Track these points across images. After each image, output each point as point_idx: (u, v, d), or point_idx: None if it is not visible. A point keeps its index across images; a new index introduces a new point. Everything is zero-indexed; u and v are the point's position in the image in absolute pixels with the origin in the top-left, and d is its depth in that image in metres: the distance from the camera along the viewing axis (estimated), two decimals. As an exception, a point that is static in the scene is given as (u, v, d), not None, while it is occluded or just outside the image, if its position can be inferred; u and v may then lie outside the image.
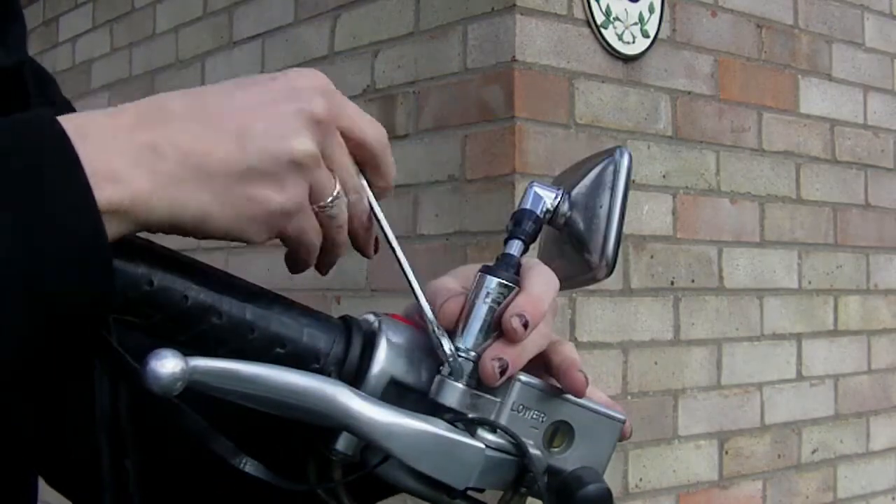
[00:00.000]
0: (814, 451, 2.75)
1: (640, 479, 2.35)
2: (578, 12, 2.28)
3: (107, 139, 0.47)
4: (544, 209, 0.62)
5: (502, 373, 0.55)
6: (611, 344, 2.28)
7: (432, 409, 0.55)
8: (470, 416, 0.55)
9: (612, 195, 0.61)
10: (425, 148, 2.33)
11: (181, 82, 3.21)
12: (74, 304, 0.45)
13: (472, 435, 0.55)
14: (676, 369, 2.43)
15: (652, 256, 2.39)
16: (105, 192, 0.46)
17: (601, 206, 0.61)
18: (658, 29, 2.42)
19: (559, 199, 0.62)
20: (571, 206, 0.62)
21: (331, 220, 0.53)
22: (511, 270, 0.58)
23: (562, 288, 0.60)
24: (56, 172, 0.45)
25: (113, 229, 0.46)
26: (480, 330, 0.56)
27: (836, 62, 2.87)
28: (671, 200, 2.44)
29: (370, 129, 0.55)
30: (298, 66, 2.74)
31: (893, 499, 2.96)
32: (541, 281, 0.58)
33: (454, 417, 0.54)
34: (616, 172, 0.61)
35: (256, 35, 2.92)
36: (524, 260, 0.60)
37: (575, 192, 0.62)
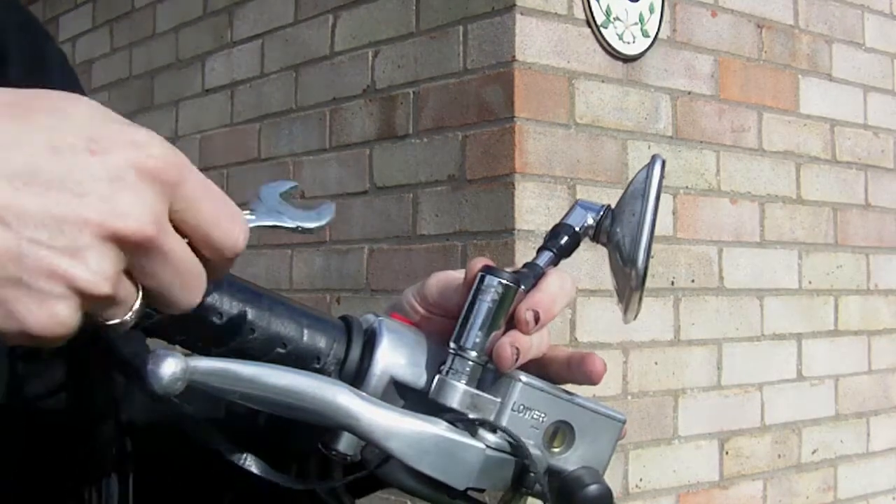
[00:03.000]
0: (814, 451, 2.75)
1: (641, 480, 2.35)
2: (578, 12, 2.28)
3: None
4: (584, 225, 0.62)
5: (516, 358, 0.55)
6: (611, 344, 2.28)
7: (433, 409, 0.55)
8: (470, 416, 0.55)
9: (642, 203, 0.61)
10: (425, 148, 2.33)
11: (181, 82, 3.22)
12: None
13: (473, 435, 0.55)
14: (676, 369, 2.43)
15: (652, 256, 2.39)
16: None
17: (634, 215, 0.61)
18: (658, 29, 2.42)
19: (601, 214, 0.62)
20: (613, 221, 0.62)
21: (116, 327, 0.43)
22: (531, 277, 0.58)
23: (620, 304, 0.61)
24: None
25: None
26: (480, 329, 0.56)
27: (837, 62, 2.87)
28: (671, 200, 2.44)
29: (225, 232, 0.44)
30: (298, 65, 2.75)
31: (894, 499, 2.96)
32: (557, 283, 0.58)
33: (454, 417, 0.54)
34: (648, 179, 0.61)
35: (256, 35, 2.92)
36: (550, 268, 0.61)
37: (616, 205, 0.63)
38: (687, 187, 2.48)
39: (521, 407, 0.56)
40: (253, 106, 2.93)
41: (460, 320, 0.56)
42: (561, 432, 0.58)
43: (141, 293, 0.42)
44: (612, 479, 0.53)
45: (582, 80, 2.28)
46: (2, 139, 0.39)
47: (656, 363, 2.39)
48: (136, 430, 0.66)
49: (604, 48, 2.32)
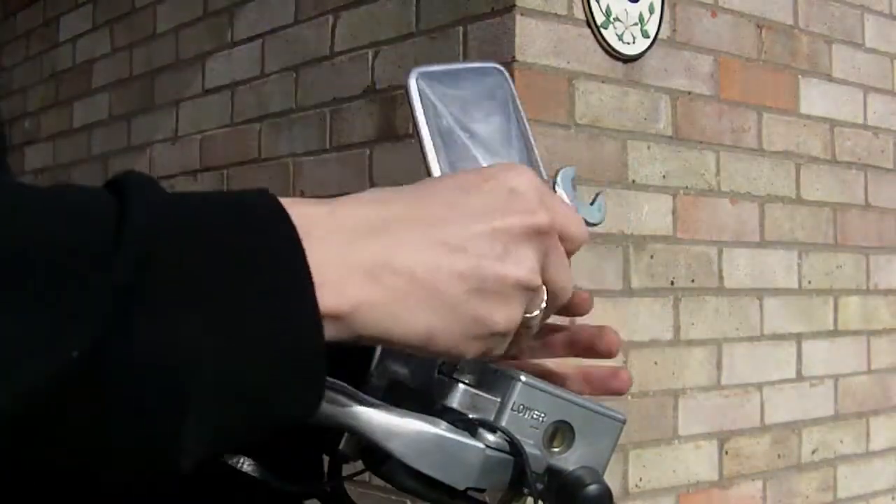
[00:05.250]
0: (814, 451, 2.75)
1: (640, 480, 2.35)
2: (578, 12, 2.28)
3: (331, 243, 0.45)
4: None
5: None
6: (611, 344, 2.28)
7: (432, 409, 0.55)
8: (470, 416, 0.55)
9: (519, 120, 0.63)
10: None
11: (181, 82, 3.22)
12: (275, 416, 0.43)
13: (473, 435, 0.55)
14: (676, 369, 2.43)
15: (652, 256, 2.39)
16: (328, 301, 0.43)
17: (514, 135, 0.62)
18: (658, 29, 2.42)
19: None
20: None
21: (527, 330, 0.52)
22: None
23: None
24: (281, 273, 0.43)
25: (327, 335, 0.44)
26: None
27: (836, 62, 2.87)
28: (671, 200, 2.44)
29: (578, 230, 0.54)
30: (298, 66, 2.75)
31: (893, 499, 2.96)
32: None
33: (454, 417, 0.55)
34: (513, 95, 0.64)
35: (256, 35, 2.92)
36: None
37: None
38: (687, 187, 2.48)
39: (521, 407, 0.56)
40: (253, 106, 2.93)
41: None
42: (561, 432, 0.58)
43: (545, 290, 0.52)
44: (611, 479, 0.53)
45: (582, 80, 2.29)
46: (427, 194, 0.50)
47: (656, 363, 2.39)
48: None
49: (604, 48, 2.32)
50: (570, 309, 0.62)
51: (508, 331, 0.50)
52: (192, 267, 0.40)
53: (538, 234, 0.50)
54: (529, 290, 0.50)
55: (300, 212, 0.44)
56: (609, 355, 0.65)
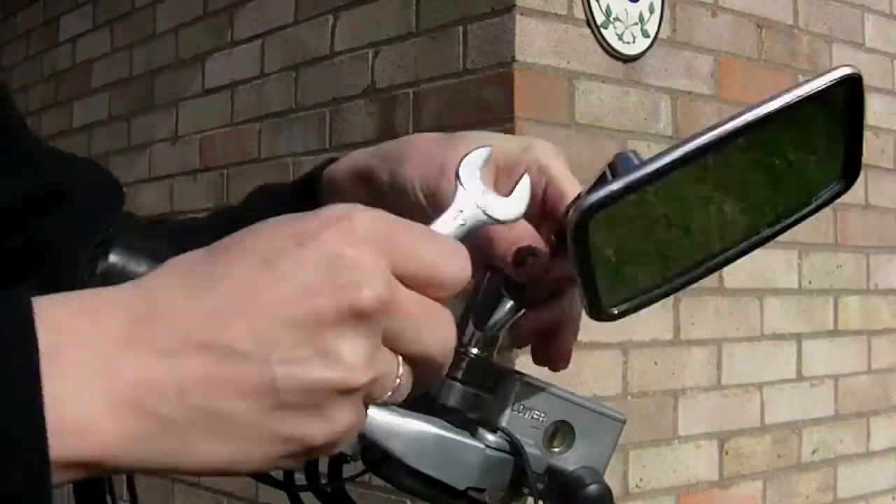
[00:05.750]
0: (814, 451, 2.75)
1: (640, 480, 2.35)
2: (578, 12, 2.28)
3: (84, 364, 0.37)
4: None
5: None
6: (611, 344, 2.28)
7: (433, 408, 0.55)
8: (470, 416, 0.55)
9: None
10: (425, 148, 2.33)
11: (181, 82, 3.21)
12: None
13: (473, 435, 0.55)
14: (676, 369, 2.43)
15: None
16: (67, 448, 0.36)
17: None
18: (658, 29, 2.42)
19: None
20: None
21: (392, 399, 0.43)
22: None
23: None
24: (7, 410, 0.35)
25: (69, 477, 0.37)
26: (482, 326, 0.56)
27: (837, 62, 2.86)
28: (671, 200, 2.44)
29: (448, 272, 0.43)
30: (298, 66, 2.75)
31: (893, 499, 2.96)
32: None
33: (454, 417, 0.54)
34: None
35: (256, 35, 2.92)
36: None
37: None
38: (687, 187, 2.48)
39: (521, 407, 0.56)
40: (253, 106, 2.93)
41: (461, 318, 0.56)
42: (561, 432, 0.58)
43: (400, 360, 0.41)
44: (612, 479, 0.53)
45: (582, 80, 2.28)
46: (214, 276, 0.39)
47: (656, 363, 2.39)
48: None
49: (604, 48, 2.32)
50: (544, 362, 0.59)
51: (336, 441, 0.40)
52: None
53: (364, 317, 0.39)
54: (355, 391, 0.39)
55: (54, 326, 0.37)
56: (553, 367, 0.61)
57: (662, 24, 2.43)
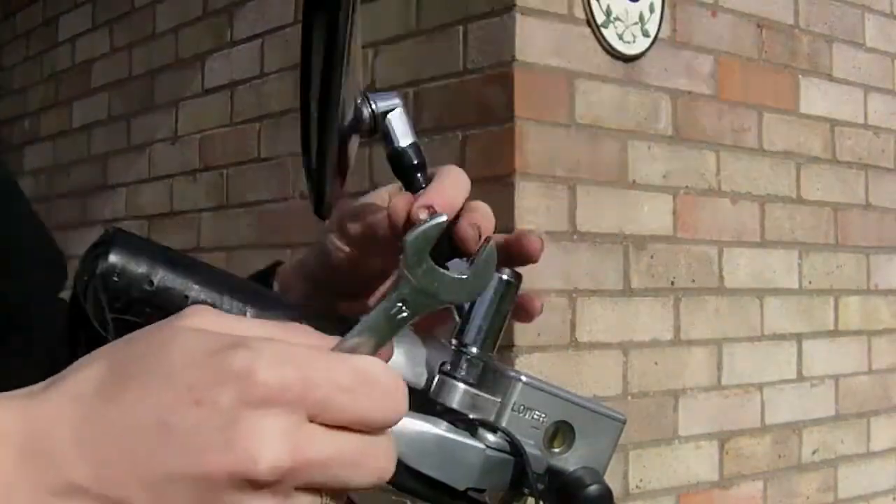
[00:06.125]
0: (814, 452, 2.75)
1: (641, 480, 2.35)
2: (578, 12, 2.28)
3: None
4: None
5: (479, 236, 0.55)
6: (611, 344, 2.28)
7: (433, 409, 0.55)
8: (470, 416, 0.55)
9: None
10: (425, 148, 2.32)
11: (181, 82, 3.21)
12: None
13: (473, 435, 0.54)
14: (677, 369, 2.43)
15: (652, 256, 2.39)
16: None
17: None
18: (658, 29, 2.42)
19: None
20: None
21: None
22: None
23: None
24: None
25: None
26: (483, 325, 0.56)
27: (837, 62, 2.87)
28: (671, 200, 2.44)
29: (379, 413, 0.40)
30: (298, 66, 2.74)
31: (894, 499, 2.96)
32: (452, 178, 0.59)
33: (455, 418, 0.54)
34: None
35: (256, 35, 2.92)
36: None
37: None
38: (687, 187, 2.48)
39: (522, 407, 0.56)
40: (253, 106, 2.93)
41: (462, 316, 0.56)
42: (561, 432, 0.58)
43: (322, 494, 0.39)
44: (612, 479, 0.53)
45: (582, 80, 2.28)
46: (106, 429, 0.38)
47: (656, 363, 2.39)
48: None
49: (604, 48, 2.32)
50: (518, 257, 0.58)
51: None
52: None
53: (264, 486, 0.37)
54: None
55: None
56: (531, 258, 0.58)
57: (662, 24, 2.43)
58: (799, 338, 2.72)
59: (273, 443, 0.37)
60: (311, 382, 0.38)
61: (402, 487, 0.55)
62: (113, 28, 3.61)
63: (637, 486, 2.35)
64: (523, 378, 0.56)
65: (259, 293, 0.55)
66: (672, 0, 2.46)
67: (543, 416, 0.57)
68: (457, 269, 0.47)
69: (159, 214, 3.29)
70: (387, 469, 0.41)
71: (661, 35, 2.42)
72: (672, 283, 2.43)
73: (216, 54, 3.08)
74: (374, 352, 0.43)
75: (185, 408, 0.37)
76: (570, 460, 0.58)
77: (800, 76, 2.77)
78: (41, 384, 0.40)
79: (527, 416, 0.56)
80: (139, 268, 0.50)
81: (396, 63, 2.45)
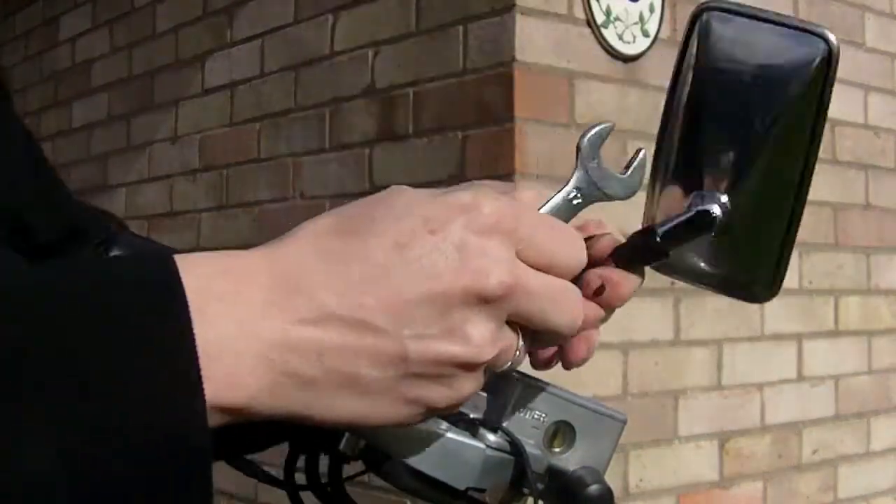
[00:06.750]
0: (814, 452, 2.75)
1: (641, 480, 2.35)
2: (578, 12, 2.28)
3: (229, 324, 0.40)
4: None
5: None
6: (611, 344, 2.28)
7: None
8: (471, 416, 0.55)
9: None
10: (425, 148, 2.33)
11: (181, 82, 3.21)
12: None
13: (473, 435, 0.54)
14: (677, 369, 2.43)
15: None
16: (215, 395, 0.39)
17: None
18: (658, 29, 2.42)
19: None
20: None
21: (510, 368, 0.47)
22: None
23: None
24: (162, 368, 0.38)
25: (216, 421, 0.39)
26: None
27: (837, 62, 2.86)
28: (671, 200, 2.44)
29: (569, 257, 0.47)
30: (298, 65, 2.74)
31: (894, 499, 2.96)
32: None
33: (455, 417, 0.54)
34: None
35: (256, 35, 2.92)
36: None
37: None
38: (687, 187, 2.48)
39: (522, 407, 0.56)
40: (253, 106, 2.93)
41: None
42: (562, 432, 0.58)
43: (520, 334, 0.45)
44: (612, 479, 0.53)
45: (582, 80, 2.28)
46: (349, 255, 0.42)
47: (656, 363, 2.39)
48: None
49: (604, 48, 2.32)
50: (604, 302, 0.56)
51: (457, 404, 0.45)
52: (61, 370, 0.36)
53: (490, 301, 0.43)
54: (479, 366, 0.44)
55: (198, 282, 0.39)
56: (619, 303, 0.58)
57: (663, 24, 2.43)
58: (799, 338, 2.72)
59: (499, 263, 0.43)
60: (521, 219, 0.45)
61: (403, 487, 0.55)
62: (113, 28, 3.61)
63: (637, 486, 2.35)
64: (524, 378, 0.56)
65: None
66: (672, 0, 2.46)
67: (544, 415, 0.57)
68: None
69: (159, 214, 3.29)
70: (579, 314, 0.47)
71: (661, 35, 2.42)
72: (672, 282, 2.43)
73: (216, 54, 3.08)
74: None
75: (422, 235, 0.42)
76: (570, 460, 0.58)
77: (800, 76, 2.76)
78: (273, 240, 0.44)
79: (527, 416, 0.56)
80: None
81: (396, 63, 2.45)
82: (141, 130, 3.41)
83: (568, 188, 0.53)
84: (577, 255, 0.47)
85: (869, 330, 2.91)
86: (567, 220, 0.51)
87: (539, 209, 0.50)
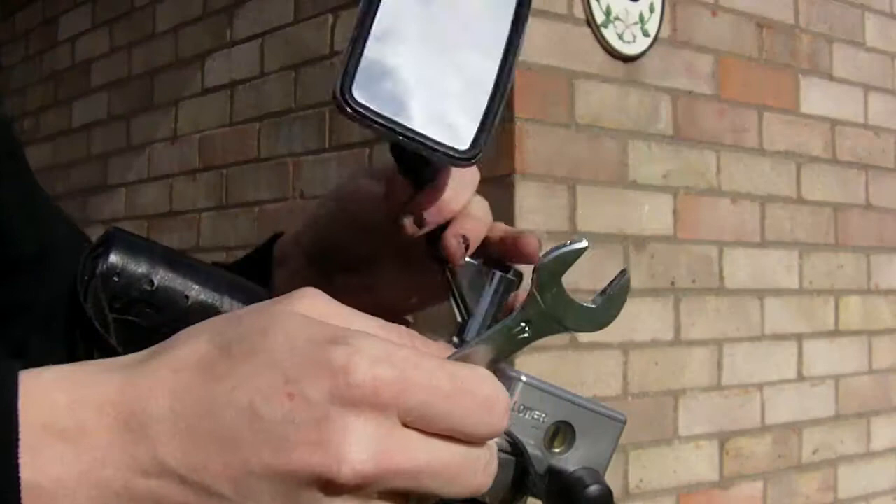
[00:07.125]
0: (814, 452, 2.75)
1: (641, 480, 2.35)
2: (578, 12, 2.28)
3: (71, 469, 0.37)
4: None
5: (466, 247, 0.54)
6: (611, 344, 2.28)
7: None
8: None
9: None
10: (425, 148, 2.32)
11: (181, 82, 3.21)
12: None
13: (473, 435, 0.54)
14: (677, 369, 2.43)
15: (652, 256, 2.39)
16: None
17: None
18: (658, 28, 2.41)
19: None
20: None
21: None
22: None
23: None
24: None
25: None
26: (485, 322, 0.56)
27: (837, 62, 2.86)
28: (672, 200, 2.44)
29: (475, 425, 0.40)
30: (298, 65, 2.74)
31: (894, 499, 2.96)
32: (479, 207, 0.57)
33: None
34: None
35: (256, 35, 2.92)
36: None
37: None
38: (687, 187, 2.48)
39: (522, 407, 0.56)
40: (253, 106, 2.93)
41: (463, 314, 0.56)
42: (562, 432, 0.58)
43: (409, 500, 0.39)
44: (612, 479, 0.53)
45: (582, 80, 2.28)
46: (201, 408, 0.38)
47: (656, 363, 2.39)
48: None
49: (604, 48, 2.32)
50: (515, 258, 0.56)
51: None
52: None
53: (343, 489, 0.37)
54: None
55: (37, 419, 0.37)
56: (528, 259, 0.56)
57: (663, 24, 2.42)
58: (799, 338, 2.72)
59: (359, 446, 0.37)
60: (408, 385, 0.38)
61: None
62: (113, 28, 3.61)
63: (637, 486, 2.34)
64: (524, 378, 0.56)
65: (260, 293, 0.55)
66: (672, 0, 2.46)
67: (544, 416, 0.57)
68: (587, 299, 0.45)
69: (159, 214, 3.29)
70: (483, 484, 0.40)
71: (661, 35, 2.42)
72: (672, 283, 2.43)
73: (216, 54, 3.08)
74: (489, 366, 0.42)
75: (278, 399, 0.37)
76: (570, 460, 0.58)
77: (800, 76, 2.76)
78: (143, 353, 0.40)
79: (527, 416, 0.56)
80: (139, 268, 0.50)
81: (396, 63, 2.44)
82: (141, 130, 3.41)
83: (514, 319, 0.45)
84: (491, 422, 0.40)
85: (869, 330, 2.91)
86: (509, 356, 0.44)
87: (461, 352, 0.43)
